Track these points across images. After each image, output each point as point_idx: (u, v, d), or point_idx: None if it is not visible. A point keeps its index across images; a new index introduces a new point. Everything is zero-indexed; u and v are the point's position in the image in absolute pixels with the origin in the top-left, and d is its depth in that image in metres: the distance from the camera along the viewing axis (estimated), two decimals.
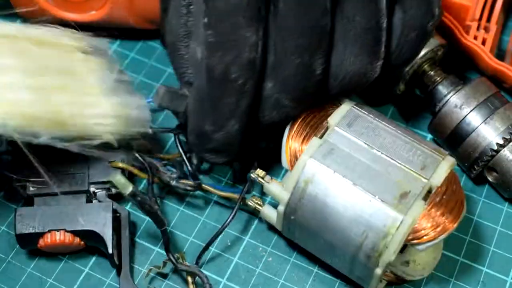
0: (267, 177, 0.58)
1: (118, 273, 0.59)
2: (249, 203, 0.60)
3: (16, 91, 0.53)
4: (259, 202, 0.60)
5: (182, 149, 0.61)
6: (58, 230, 0.58)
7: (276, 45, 0.54)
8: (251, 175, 0.58)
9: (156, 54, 0.72)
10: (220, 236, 0.61)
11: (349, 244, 0.54)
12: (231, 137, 0.57)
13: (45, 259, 0.61)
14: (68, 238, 0.58)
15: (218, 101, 0.55)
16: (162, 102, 0.57)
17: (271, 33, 0.54)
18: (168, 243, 0.58)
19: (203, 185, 0.61)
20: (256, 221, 0.63)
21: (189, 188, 0.61)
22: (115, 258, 0.59)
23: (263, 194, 0.62)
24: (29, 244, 0.59)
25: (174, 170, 0.62)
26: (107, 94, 0.58)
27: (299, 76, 0.55)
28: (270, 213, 0.59)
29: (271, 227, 0.62)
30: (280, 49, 0.54)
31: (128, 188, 0.52)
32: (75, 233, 0.58)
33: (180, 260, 0.59)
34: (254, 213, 0.62)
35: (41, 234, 0.58)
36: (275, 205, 0.58)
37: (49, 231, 0.58)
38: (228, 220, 0.59)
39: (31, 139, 0.52)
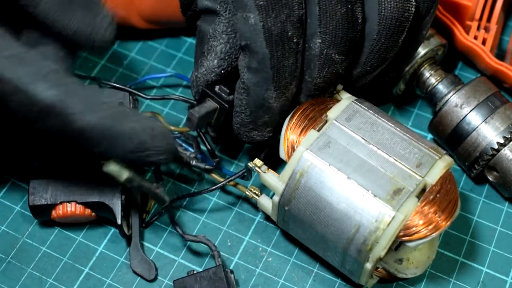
0: (264, 167, 0.58)
1: (129, 244, 0.60)
2: (246, 192, 0.60)
3: None
4: (256, 192, 0.60)
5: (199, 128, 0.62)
6: (69, 202, 0.59)
7: None
8: (249, 164, 0.58)
9: (156, 54, 0.72)
10: (220, 236, 0.62)
11: (340, 237, 0.54)
12: (287, 104, 0.58)
13: (45, 259, 0.61)
14: (79, 209, 0.59)
15: (279, 64, 0.55)
16: (197, 127, 0.59)
17: None
18: (173, 216, 0.60)
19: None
20: (256, 221, 0.63)
21: (208, 167, 0.61)
22: (125, 229, 0.60)
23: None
24: (43, 215, 0.60)
25: (191, 149, 0.62)
26: None
27: (345, 25, 0.56)
28: (266, 203, 0.59)
29: (267, 219, 0.62)
30: (325, 0, 0.55)
31: (124, 175, 0.52)
32: (85, 204, 0.59)
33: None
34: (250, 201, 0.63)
35: (53, 206, 0.59)
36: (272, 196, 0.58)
37: (61, 202, 0.59)
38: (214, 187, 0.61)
39: None
